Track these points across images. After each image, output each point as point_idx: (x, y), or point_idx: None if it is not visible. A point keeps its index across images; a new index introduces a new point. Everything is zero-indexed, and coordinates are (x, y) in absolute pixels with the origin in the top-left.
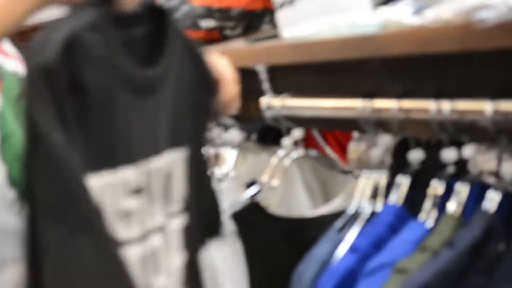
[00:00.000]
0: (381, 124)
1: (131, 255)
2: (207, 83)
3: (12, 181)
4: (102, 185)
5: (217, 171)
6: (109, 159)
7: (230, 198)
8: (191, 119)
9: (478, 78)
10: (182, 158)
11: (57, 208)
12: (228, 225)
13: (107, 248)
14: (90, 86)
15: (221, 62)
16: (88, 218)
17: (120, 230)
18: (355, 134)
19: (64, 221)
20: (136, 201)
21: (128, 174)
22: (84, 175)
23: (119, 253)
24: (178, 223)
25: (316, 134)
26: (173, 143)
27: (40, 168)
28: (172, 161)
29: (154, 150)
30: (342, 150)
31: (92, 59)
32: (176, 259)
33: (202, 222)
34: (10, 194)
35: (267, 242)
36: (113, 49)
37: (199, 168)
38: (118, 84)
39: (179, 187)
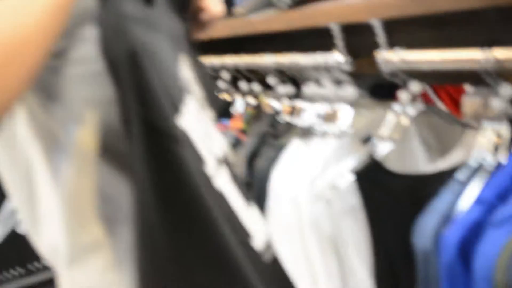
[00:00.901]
0: (503, 75)
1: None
2: None
3: None
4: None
5: (334, 128)
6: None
7: (348, 154)
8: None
9: None
10: (188, 64)
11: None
12: (351, 192)
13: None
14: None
15: None
16: None
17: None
18: (467, 87)
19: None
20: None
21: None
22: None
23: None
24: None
25: (427, 88)
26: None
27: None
28: (186, 70)
29: (177, 66)
30: (454, 104)
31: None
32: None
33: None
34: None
35: (388, 198)
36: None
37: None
38: (154, 34)
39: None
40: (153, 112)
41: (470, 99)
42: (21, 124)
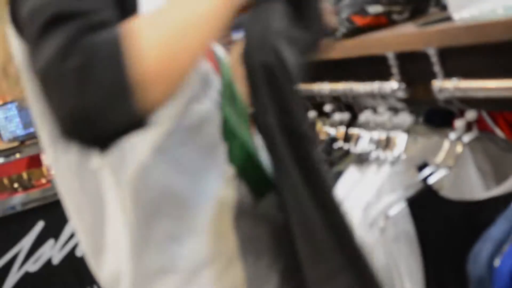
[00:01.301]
0: None
1: None
2: None
3: (231, 159)
4: None
5: (389, 154)
6: None
7: (403, 181)
8: None
9: None
10: None
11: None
12: (405, 219)
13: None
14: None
15: None
16: (350, 259)
17: None
18: None
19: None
20: None
21: None
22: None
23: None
24: None
25: (485, 115)
26: None
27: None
28: None
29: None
30: (511, 130)
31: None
32: None
33: None
34: (229, 170)
35: (442, 224)
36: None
37: None
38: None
39: None
40: (291, 119)
41: None
42: (93, 154)
